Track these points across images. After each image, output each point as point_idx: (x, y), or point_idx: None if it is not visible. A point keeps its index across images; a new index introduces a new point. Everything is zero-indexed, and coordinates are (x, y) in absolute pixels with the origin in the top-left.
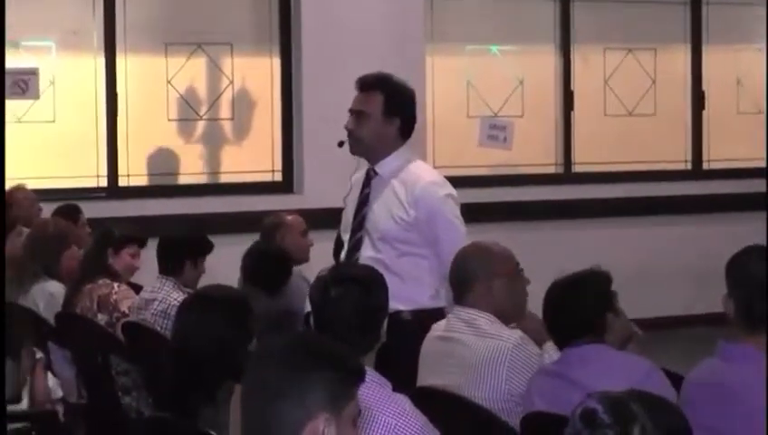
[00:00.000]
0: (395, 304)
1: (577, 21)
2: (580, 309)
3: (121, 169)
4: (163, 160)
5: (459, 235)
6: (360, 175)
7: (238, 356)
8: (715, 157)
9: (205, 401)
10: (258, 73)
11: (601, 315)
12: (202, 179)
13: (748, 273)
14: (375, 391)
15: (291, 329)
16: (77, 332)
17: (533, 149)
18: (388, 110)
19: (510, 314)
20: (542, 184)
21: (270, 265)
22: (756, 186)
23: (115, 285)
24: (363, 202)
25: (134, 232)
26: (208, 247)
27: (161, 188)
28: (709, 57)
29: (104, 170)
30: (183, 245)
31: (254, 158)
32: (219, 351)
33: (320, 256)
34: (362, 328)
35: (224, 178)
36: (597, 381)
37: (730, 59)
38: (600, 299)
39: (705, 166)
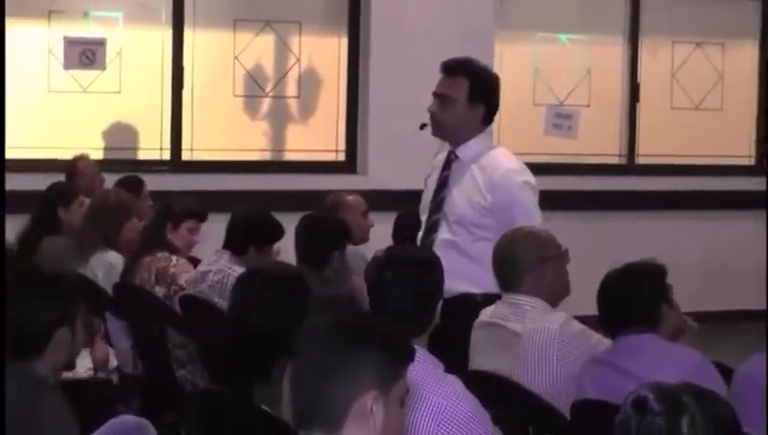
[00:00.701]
0: (467, 287)
1: (646, 13)
2: (635, 299)
3: (185, 144)
4: (227, 136)
5: (536, 222)
6: (441, 157)
7: (293, 333)
8: None
9: (259, 377)
10: (325, 53)
11: (656, 306)
12: (265, 156)
13: None
14: (426, 371)
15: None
16: (135, 303)
17: (598, 140)
18: (473, 95)
19: (559, 295)
20: (606, 174)
21: (320, 238)
22: None
23: (174, 258)
24: (442, 185)
25: (194, 207)
26: (277, 235)
27: (224, 164)
28: None
29: (168, 144)
30: (251, 229)
31: (318, 137)
32: (275, 327)
33: (380, 238)
34: (417, 310)
35: (287, 157)
36: (648, 371)
37: None
38: (655, 290)
39: None
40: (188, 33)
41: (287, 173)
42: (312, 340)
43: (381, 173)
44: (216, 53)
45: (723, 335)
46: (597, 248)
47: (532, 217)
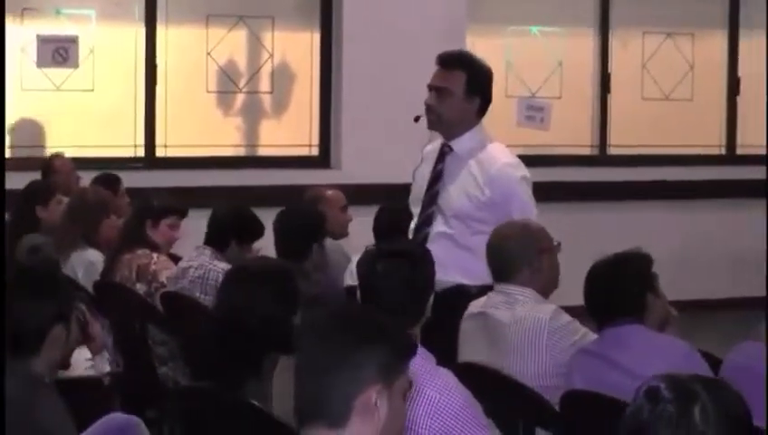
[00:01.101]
0: (462, 278)
1: (616, 4)
2: (621, 290)
3: (159, 140)
4: (201, 132)
5: (532, 215)
6: (431, 148)
7: (284, 329)
8: (750, 142)
9: (250, 373)
10: (298, 48)
11: (642, 296)
12: (239, 152)
13: None
14: (419, 364)
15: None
16: (115, 301)
17: (570, 131)
18: (471, 88)
19: (550, 287)
20: (578, 166)
21: (298, 230)
22: None
23: (154, 255)
24: (436, 178)
25: (173, 203)
26: (259, 232)
27: (198, 160)
28: (745, 43)
29: (142, 140)
30: (233, 225)
31: (291, 132)
32: (265, 323)
33: (356, 232)
34: (408, 303)
35: (261, 152)
36: (636, 361)
37: (766, 45)
38: (641, 280)
39: (740, 151)
40: (161, 30)
41: (261, 168)
42: (316, 335)
43: (355, 168)
44: (189, 50)
45: (699, 324)
46: (570, 239)
47: (529, 210)
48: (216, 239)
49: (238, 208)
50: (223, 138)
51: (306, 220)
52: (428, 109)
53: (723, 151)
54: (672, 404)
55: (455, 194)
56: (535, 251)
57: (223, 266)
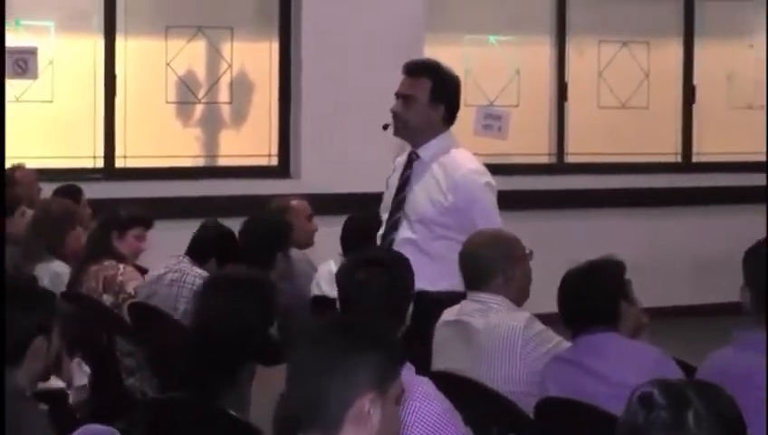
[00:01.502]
0: (424, 285)
1: (573, 13)
2: (595, 297)
3: (118, 151)
4: (160, 143)
5: (496, 223)
6: (402, 158)
7: (261, 338)
8: (705, 150)
9: (227, 382)
10: (257, 58)
11: (616, 304)
12: (199, 163)
13: (765, 264)
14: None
15: (300, 313)
16: (82, 312)
17: (528, 139)
18: (435, 95)
19: (523, 295)
20: (535, 174)
21: (264, 239)
22: (744, 179)
23: (121, 266)
24: (404, 184)
25: (140, 214)
26: (239, 256)
27: (157, 171)
28: (701, 52)
29: (101, 151)
30: (219, 243)
31: (251, 142)
32: (242, 332)
33: (316, 242)
34: (388, 311)
35: (221, 162)
36: (611, 368)
37: (721, 54)
38: (614, 287)
39: (695, 159)
40: (120, 41)
41: (220, 179)
42: (309, 344)
43: (314, 177)
44: (149, 60)
45: (659, 331)
46: (529, 247)
47: (492, 217)
48: (198, 253)
49: (224, 230)
50: (182, 148)
51: (271, 229)
52: (394, 116)
53: (678, 159)
54: (666, 410)
55: (419, 199)
56: (508, 259)
57: (200, 272)
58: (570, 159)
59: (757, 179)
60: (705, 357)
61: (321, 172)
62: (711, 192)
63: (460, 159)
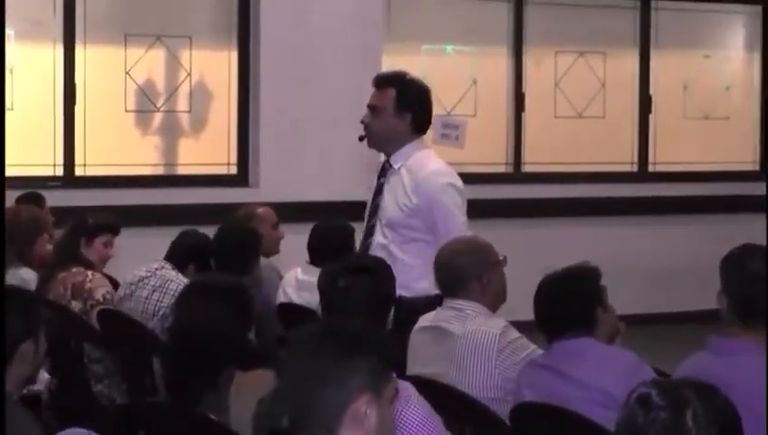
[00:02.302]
0: (398, 290)
1: (529, 24)
2: (571, 304)
3: (78, 159)
4: (119, 151)
5: (456, 224)
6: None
7: (240, 343)
8: (662, 160)
9: (207, 387)
10: (216, 67)
11: (592, 310)
12: (158, 171)
13: (745, 270)
14: None
15: (266, 320)
16: (50, 318)
17: (485, 149)
18: (400, 105)
19: (499, 301)
20: (493, 183)
21: (237, 246)
22: (700, 189)
23: (89, 272)
24: (378, 192)
25: (108, 221)
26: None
27: (116, 179)
28: (657, 62)
29: (61, 159)
30: (200, 250)
31: (210, 151)
32: (222, 338)
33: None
34: (370, 317)
35: (179, 171)
36: (587, 373)
37: (677, 64)
38: (590, 294)
39: (651, 169)
40: (80, 49)
41: (179, 187)
42: (304, 348)
43: (273, 185)
44: (108, 69)
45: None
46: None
47: (454, 218)
48: (177, 259)
49: (202, 237)
50: (141, 157)
51: (244, 237)
52: (365, 127)
53: (635, 169)
54: (665, 411)
55: (389, 203)
56: (483, 265)
57: (183, 280)
58: (527, 168)
59: (712, 189)
60: (678, 364)
61: (280, 181)
62: (667, 201)
63: (425, 161)
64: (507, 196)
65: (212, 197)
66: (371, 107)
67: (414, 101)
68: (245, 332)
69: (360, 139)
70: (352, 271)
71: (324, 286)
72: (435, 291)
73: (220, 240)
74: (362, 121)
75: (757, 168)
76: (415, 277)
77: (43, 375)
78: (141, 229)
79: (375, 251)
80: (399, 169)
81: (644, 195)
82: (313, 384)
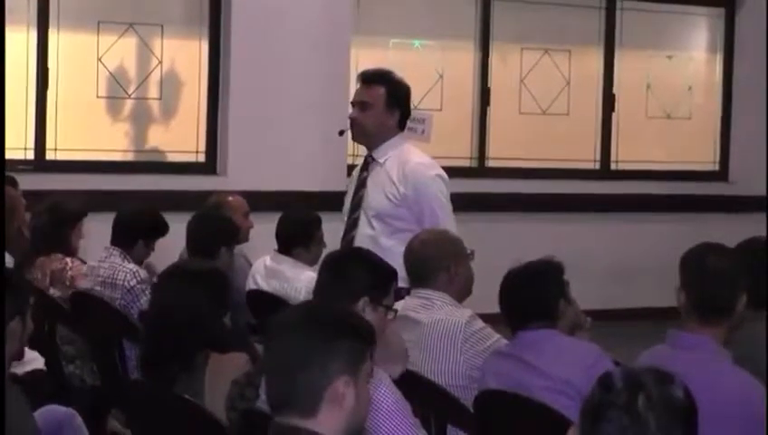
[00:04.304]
0: None
1: (496, 20)
2: (535, 296)
3: (49, 144)
4: (90, 136)
5: (445, 214)
6: (360, 166)
7: (215, 326)
8: (624, 158)
9: (181, 369)
10: (187, 55)
11: (555, 302)
12: (128, 157)
13: (704, 268)
14: None
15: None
16: None
17: (450, 143)
18: (390, 101)
19: (465, 293)
20: (457, 177)
21: (210, 232)
22: (661, 188)
23: (68, 259)
24: (360, 185)
25: (80, 206)
26: (163, 230)
27: (87, 164)
28: (621, 61)
29: (32, 144)
30: (140, 224)
31: (179, 138)
32: (198, 321)
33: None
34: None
35: (149, 157)
36: (549, 363)
37: (641, 64)
38: (554, 287)
39: (614, 166)
40: (53, 35)
41: (148, 173)
42: (286, 332)
43: (241, 174)
44: (80, 55)
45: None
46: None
47: (441, 207)
48: (123, 240)
49: (142, 208)
50: (112, 143)
51: (218, 224)
52: (352, 122)
53: (597, 166)
54: (621, 393)
55: (375, 195)
56: (451, 257)
57: (131, 268)
58: (491, 163)
59: (673, 188)
60: (634, 358)
61: (247, 169)
62: (628, 199)
63: (409, 154)
64: (471, 190)
65: (179, 184)
66: (360, 103)
67: (403, 98)
68: (220, 316)
69: (341, 133)
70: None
71: (321, 275)
72: None
73: (195, 225)
74: (350, 117)
75: (717, 168)
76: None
77: (33, 354)
78: (110, 214)
79: (360, 243)
80: (385, 161)
81: (606, 192)
82: (296, 367)
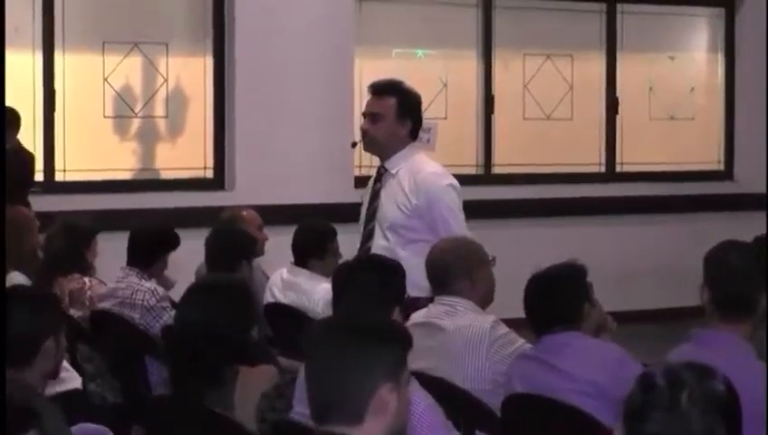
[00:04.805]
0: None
1: (498, 27)
2: (560, 299)
3: (58, 165)
4: (98, 156)
5: (457, 222)
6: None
7: (242, 340)
8: (628, 160)
9: (210, 384)
10: (192, 72)
11: (579, 305)
12: (136, 176)
13: (727, 266)
14: None
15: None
16: None
17: (456, 151)
18: (401, 112)
19: (488, 299)
20: (463, 184)
21: (230, 246)
22: (666, 189)
23: (86, 279)
24: (374, 196)
25: (94, 225)
26: (175, 243)
27: (96, 184)
28: (623, 64)
29: (41, 165)
30: (154, 241)
31: (187, 155)
32: (225, 335)
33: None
34: (378, 313)
35: (157, 175)
36: (574, 365)
37: (643, 66)
38: (578, 290)
39: (619, 169)
40: (59, 57)
41: (157, 191)
42: (328, 342)
43: (249, 189)
44: (86, 76)
45: None
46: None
47: (454, 216)
48: (140, 259)
49: (154, 226)
50: (120, 162)
51: (237, 238)
52: (364, 133)
53: (602, 169)
54: (664, 392)
55: (388, 206)
56: (473, 264)
57: (149, 286)
58: (496, 170)
59: (677, 189)
60: (648, 359)
61: (255, 184)
62: (633, 201)
63: (421, 164)
64: (477, 197)
65: (189, 200)
66: (372, 114)
67: (414, 108)
68: (247, 329)
69: (353, 145)
70: (363, 269)
71: (337, 285)
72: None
73: (214, 240)
74: (362, 128)
75: (721, 167)
76: (418, 276)
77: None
78: (120, 233)
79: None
80: (397, 172)
81: (611, 195)
82: (342, 376)
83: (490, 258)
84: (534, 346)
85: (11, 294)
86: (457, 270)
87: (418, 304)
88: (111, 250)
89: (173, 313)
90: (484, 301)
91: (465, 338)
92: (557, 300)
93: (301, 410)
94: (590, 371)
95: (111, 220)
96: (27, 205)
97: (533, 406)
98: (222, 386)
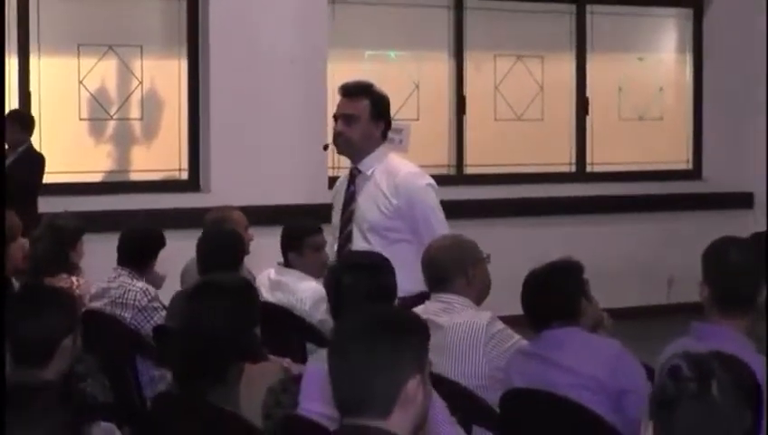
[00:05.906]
0: None
1: (469, 28)
2: (556, 295)
3: None
4: (74, 159)
5: (438, 221)
6: (342, 179)
7: (246, 339)
8: (598, 160)
9: (215, 382)
10: (166, 75)
11: (577, 301)
12: (111, 178)
13: (725, 261)
14: None
15: None
16: None
17: (428, 152)
18: (375, 113)
19: (484, 295)
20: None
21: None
22: (636, 188)
23: (74, 279)
24: (350, 199)
25: (82, 223)
26: (161, 242)
27: (71, 186)
28: (593, 65)
29: None
30: (147, 239)
31: (162, 157)
32: (229, 334)
33: None
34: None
35: (132, 177)
36: (572, 360)
37: (612, 67)
38: (574, 286)
39: (589, 169)
40: (34, 60)
41: (132, 193)
42: (353, 337)
43: (224, 190)
44: (62, 78)
45: None
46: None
47: (435, 216)
48: (132, 259)
49: (146, 227)
50: (95, 164)
51: (231, 240)
52: (338, 135)
53: (573, 169)
54: (693, 382)
55: (366, 208)
56: (468, 262)
57: (141, 286)
58: (468, 170)
59: (647, 188)
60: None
61: (230, 185)
62: (604, 201)
63: (397, 164)
64: (450, 198)
65: (163, 202)
66: (346, 116)
67: (385, 109)
68: (252, 327)
69: (325, 148)
70: (354, 268)
71: (329, 285)
72: (420, 288)
73: (206, 242)
74: (336, 130)
75: (690, 167)
76: (403, 277)
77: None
78: (96, 235)
79: None
80: (372, 173)
81: (582, 195)
82: (370, 370)
83: (485, 256)
84: (533, 342)
85: (28, 293)
86: (453, 268)
87: (404, 303)
88: (91, 251)
89: (164, 313)
90: (480, 298)
91: (462, 335)
92: (556, 296)
93: (308, 407)
94: (591, 365)
95: (87, 222)
96: (35, 206)
97: (533, 401)
98: (227, 384)
